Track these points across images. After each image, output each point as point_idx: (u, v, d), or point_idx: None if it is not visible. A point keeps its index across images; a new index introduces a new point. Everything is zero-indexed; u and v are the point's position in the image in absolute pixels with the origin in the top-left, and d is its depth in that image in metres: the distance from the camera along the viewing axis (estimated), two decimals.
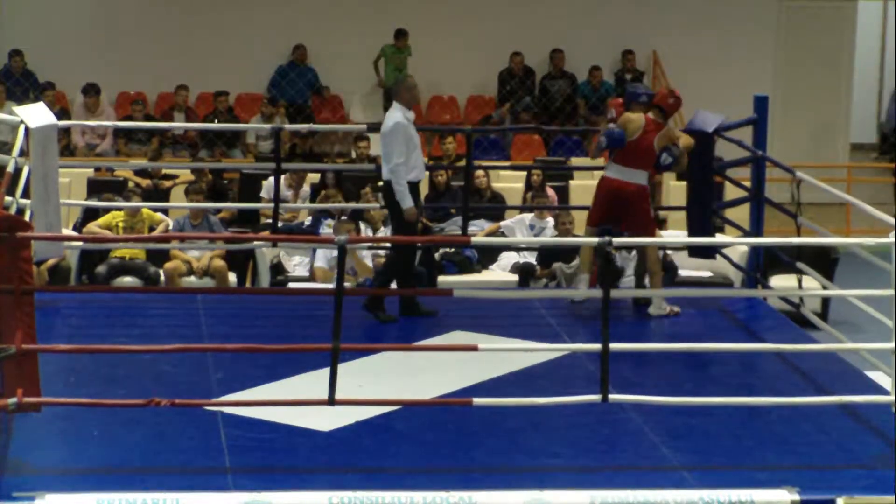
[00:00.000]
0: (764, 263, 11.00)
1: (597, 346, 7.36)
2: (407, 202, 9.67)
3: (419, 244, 13.61)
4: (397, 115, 9.72)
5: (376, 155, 16.28)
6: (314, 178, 15.26)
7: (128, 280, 13.17)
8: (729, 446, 7.58)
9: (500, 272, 13.82)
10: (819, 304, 13.50)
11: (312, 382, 7.96)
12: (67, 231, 13.06)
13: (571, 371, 8.73)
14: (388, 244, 11.20)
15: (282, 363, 8.52)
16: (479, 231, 13.91)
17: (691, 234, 10.71)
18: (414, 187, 9.77)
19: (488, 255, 14.05)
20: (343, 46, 18.21)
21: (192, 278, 13.23)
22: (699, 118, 10.59)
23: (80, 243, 12.46)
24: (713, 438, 7.67)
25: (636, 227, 9.79)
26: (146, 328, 9.68)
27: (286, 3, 18.34)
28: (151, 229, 13.24)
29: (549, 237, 13.67)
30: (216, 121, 16.97)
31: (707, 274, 13.76)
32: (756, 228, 10.71)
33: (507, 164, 16.91)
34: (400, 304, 9.93)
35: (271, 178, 13.57)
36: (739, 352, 8.92)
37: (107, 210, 13.28)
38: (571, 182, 15.90)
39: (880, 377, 8.43)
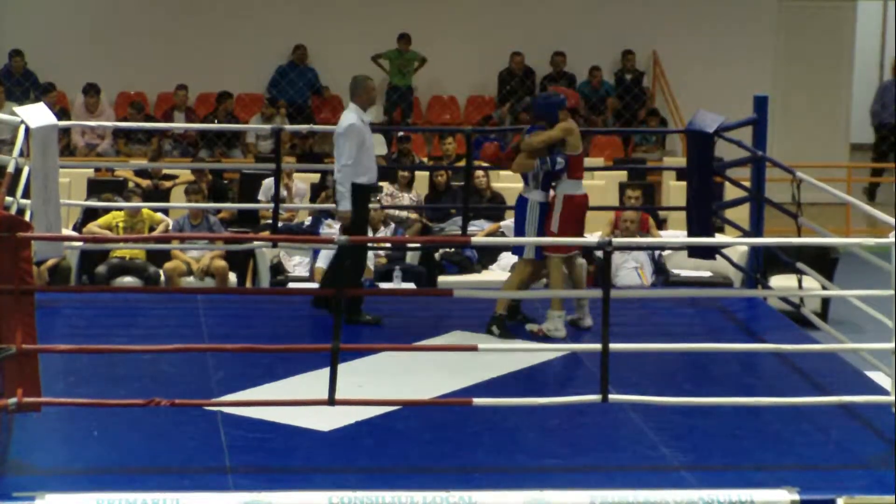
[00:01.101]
0: (764, 263, 10.99)
1: (597, 346, 7.36)
2: (345, 205, 9.49)
3: (421, 245, 13.66)
4: (352, 116, 9.58)
5: (376, 155, 16.30)
6: (314, 177, 15.27)
7: (128, 280, 13.18)
8: (729, 446, 7.58)
9: (500, 272, 13.81)
10: (819, 304, 13.49)
11: (312, 382, 7.96)
12: (67, 231, 13.06)
13: (571, 371, 8.74)
14: (389, 244, 11.25)
15: (282, 363, 8.52)
16: (479, 231, 13.91)
17: (691, 234, 10.70)
18: (366, 190, 9.65)
19: (488, 255, 14.06)
20: (343, 46, 18.21)
21: (192, 278, 13.23)
22: (699, 118, 10.58)
23: (80, 243, 12.46)
24: (713, 438, 7.67)
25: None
26: (146, 328, 9.68)
27: (286, 3, 18.34)
28: (152, 229, 13.24)
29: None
30: (216, 121, 16.97)
31: (707, 274, 13.77)
32: (756, 228, 10.70)
33: None
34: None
35: (270, 179, 13.59)
36: (739, 352, 8.92)
37: (107, 210, 13.28)
38: None
39: (880, 377, 8.43)
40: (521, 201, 9.54)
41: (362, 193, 9.60)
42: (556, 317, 9.43)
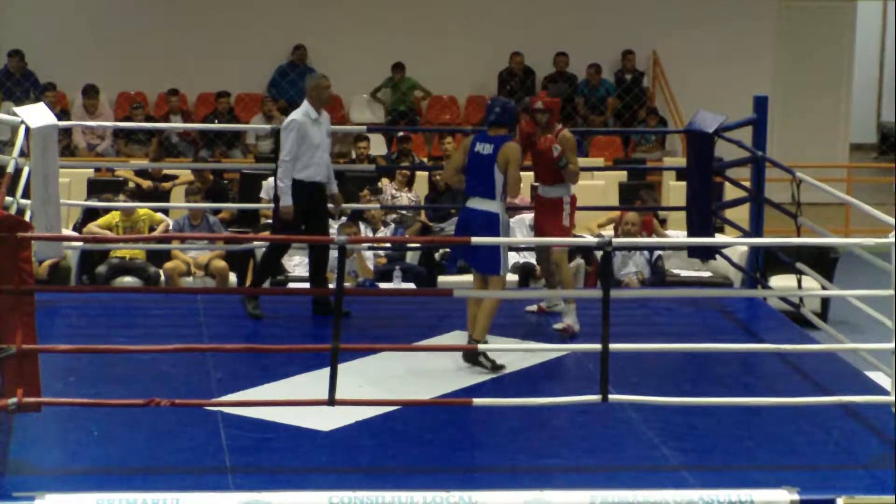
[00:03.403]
0: (764, 263, 11.00)
1: (597, 346, 7.36)
2: (285, 200, 9.64)
3: (419, 245, 13.65)
4: (298, 112, 9.76)
5: (376, 156, 16.33)
6: None
7: (128, 280, 13.18)
8: (729, 446, 7.58)
9: None
10: (819, 304, 13.50)
11: (312, 382, 7.97)
12: (67, 231, 13.06)
13: (571, 371, 8.74)
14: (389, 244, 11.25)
15: (282, 363, 8.53)
16: None
17: (691, 234, 10.71)
18: (309, 187, 9.69)
19: None
20: (343, 46, 18.21)
21: (192, 278, 13.24)
22: (699, 118, 10.59)
23: (80, 243, 12.46)
24: (713, 438, 7.68)
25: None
26: (146, 328, 9.69)
27: (286, 3, 18.33)
28: (152, 229, 13.24)
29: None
30: (216, 121, 16.96)
31: (707, 274, 13.77)
32: (756, 229, 10.71)
33: None
34: (312, 304, 9.96)
35: (271, 179, 13.58)
36: (739, 352, 8.93)
37: (107, 210, 13.29)
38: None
39: (880, 377, 8.43)
40: (490, 217, 8.79)
41: (303, 190, 9.67)
42: (572, 310, 9.51)
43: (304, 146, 9.64)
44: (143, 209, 13.33)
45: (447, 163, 9.83)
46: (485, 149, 8.82)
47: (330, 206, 9.99)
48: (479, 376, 8.56)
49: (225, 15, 18.24)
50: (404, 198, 14.73)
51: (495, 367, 8.64)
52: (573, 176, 9.51)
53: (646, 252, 13.43)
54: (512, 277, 13.60)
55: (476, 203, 8.85)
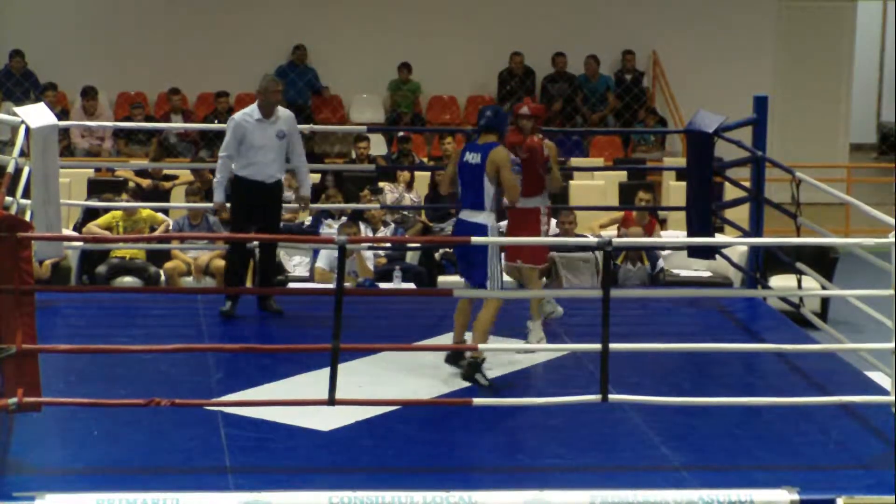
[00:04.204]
0: (764, 263, 11.00)
1: (597, 346, 7.36)
2: (217, 195, 9.88)
3: (417, 245, 13.65)
4: (242, 111, 10.05)
5: (376, 156, 16.33)
6: (313, 178, 15.26)
7: (128, 280, 13.18)
8: (729, 446, 7.59)
9: None
10: (819, 304, 13.50)
11: (312, 382, 7.97)
12: (67, 231, 13.06)
13: (571, 371, 8.73)
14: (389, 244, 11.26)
15: (282, 363, 8.53)
16: None
17: (691, 234, 10.71)
18: (248, 185, 9.78)
19: None
20: (343, 46, 18.21)
21: (192, 278, 13.23)
22: (699, 118, 10.58)
23: (80, 243, 12.46)
24: (713, 438, 7.68)
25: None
26: (146, 328, 9.69)
27: (286, 3, 18.33)
28: (152, 229, 13.24)
29: (549, 237, 13.67)
30: (216, 121, 16.95)
31: (707, 274, 13.77)
32: (756, 228, 10.71)
33: None
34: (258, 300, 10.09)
35: None
36: (739, 352, 8.93)
37: (107, 210, 13.28)
38: (571, 182, 15.90)
39: (880, 377, 8.44)
40: (478, 231, 8.45)
41: (241, 187, 9.82)
42: (538, 326, 9.30)
43: (244, 145, 9.79)
44: (145, 210, 13.33)
45: (442, 175, 9.66)
46: (473, 158, 8.54)
47: (295, 205, 10.11)
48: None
49: (225, 15, 18.24)
50: (406, 198, 14.74)
51: (490, 384, 8.37)
52: (556, 183, 9.33)
53: (647, 266, 13.43)
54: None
55: (466, 215, 8.58)
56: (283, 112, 9.94)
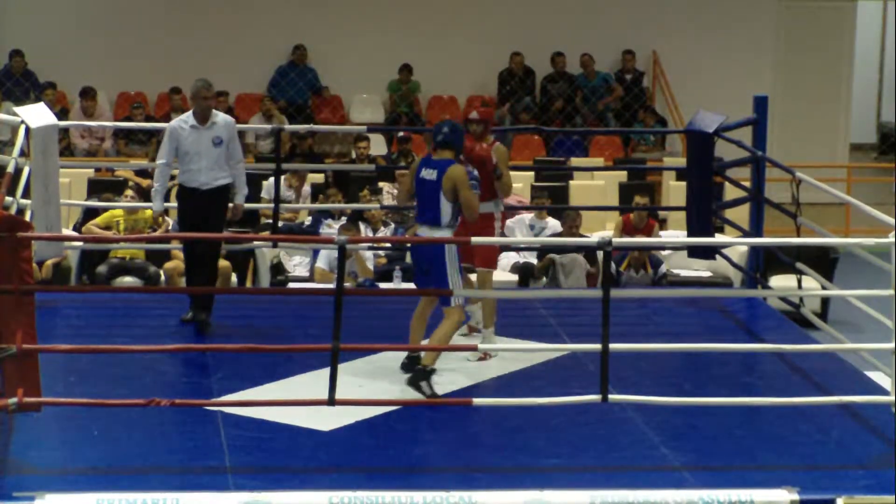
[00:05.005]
0: (764, 263, 11.00)
1: (597, 346, 7.36)
2: (154, 203, 9.86)
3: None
4: (178, 118, 9.83)
5: (376, 156, 16.33)
6: (315, 178, 15.26)
7: (128, 280, 13.17)
8: (729, 446, 7.59)
9: (500, 272, 13.81)
10: (819, 304, 13.50)
11: (312, 382, 7.97)
12: (67, 231, 13.06)
13: (571, 371, 8.73)
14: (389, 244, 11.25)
15: (282, 363, 8.53)
16: None
17: (691, 234, 10.70)
18: (184, 192, 9.70)
19: None
20: (343, 46, 18.21)
21: None
22: (699, 118, 10.58)
23: (80, 243, 12.46)
24: (713, 438, 7.68)
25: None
26: (146, 328, 9.68)
27: (286, 3, 18.34)
28: (153, 229, 13.23)
29: (549, 237, 13.69)
30: None
31: (707, 274, 13.77)
32: (756, 228, 10.71)
33: None
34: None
35: (272, 179, 13.58)
36: (739, 352, 8.93)
37: (106, 209, 13.27)
38: (571, 182, 15.90)
39: (880, 377, 8.44)
40: (435, 251, 8.33)
41: (179, 193, 9.79)
42: (490, 334, 9.11)
43: (180, 151, 9.68)
44: (148, 210, 13.30)
45: (399, 188, 9.54)
46: (429, 174, 8.39)
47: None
48: (479, 376, 8.56)
49: (225, 15, 18.24)
50: None
51: (433, 394, 8.15)
52: (506, 188, 9.17)
53: (651, 273, 13.44)
54: (511, 277, 13.61)
55: (425, 231, 8.45)
56: (221, 118, 9.68)
